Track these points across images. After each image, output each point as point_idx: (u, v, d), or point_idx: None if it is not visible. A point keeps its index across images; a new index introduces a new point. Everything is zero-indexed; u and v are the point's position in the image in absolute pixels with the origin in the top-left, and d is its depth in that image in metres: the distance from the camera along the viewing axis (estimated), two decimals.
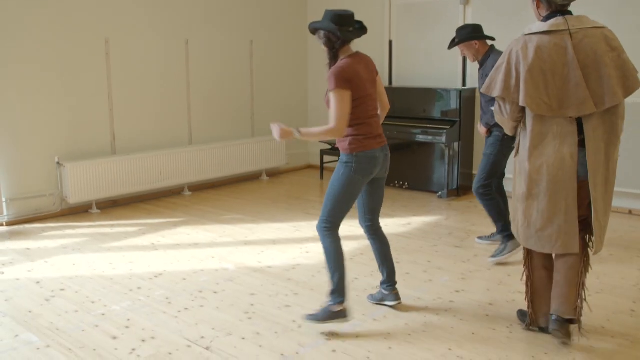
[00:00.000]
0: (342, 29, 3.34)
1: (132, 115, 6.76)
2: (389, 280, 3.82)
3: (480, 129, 4.76)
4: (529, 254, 3.39)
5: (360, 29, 3.47)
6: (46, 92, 6.02)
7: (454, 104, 6.91)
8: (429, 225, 5.73)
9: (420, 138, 7.02)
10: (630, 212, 6.21)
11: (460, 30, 4.76)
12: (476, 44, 4.70)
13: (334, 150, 7.88)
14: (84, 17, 6.23)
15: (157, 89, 7.00)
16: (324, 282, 4.25)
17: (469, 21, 6.94)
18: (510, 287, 4.19)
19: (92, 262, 4.82)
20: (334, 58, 3.42)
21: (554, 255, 3.32)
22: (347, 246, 5.05)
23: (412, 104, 7.21)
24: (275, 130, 3.41)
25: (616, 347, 3.31)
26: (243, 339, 3.47)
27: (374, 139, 3.47)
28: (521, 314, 3.59)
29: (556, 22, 3.04)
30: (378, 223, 3.81)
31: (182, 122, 7.34)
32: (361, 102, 3.39)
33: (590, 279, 4.26)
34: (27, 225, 5.94)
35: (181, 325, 3.66)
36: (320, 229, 3.55)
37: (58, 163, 6.15)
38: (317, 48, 8.39)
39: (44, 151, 6.09)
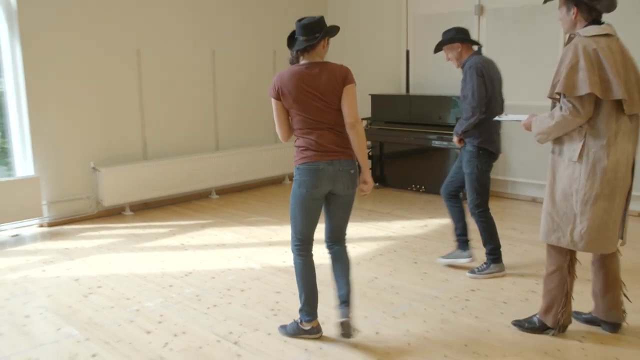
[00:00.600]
0: (290, 42, 3.30)
1: (162, 123, 6.83)
2: (341, 300, 3.34)
3: (454, 139, 4.41)
4: (571, 260, 3.25)
5: (307, 38, 3.24)
6: (82, 102, 6.09)
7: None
8: (445, 227, 5.71)
9: (436, 143, 7.00)
10: None
11: (445, 33, 4.38)
12: (459, 46, 4.27)
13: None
14: (117, 30, 6.31)
15: (186, 97, 7.06)
16: None
17: (483, 31, 6.97)
18: (524, 286, 4.18)
19: (126, 261, 4.89)
20: None
21: (593, 255, 3.36)
22: (365, 247, 5.11)
23: (428, 111, 7.20)
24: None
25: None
26: (269, 334, 3.49)
27: (316, 151, 3.17)
28: (540, 325, 3.40)
29: (607, 27, 3.05)
30: (340, 244, 3.47)
31: (209, 129, 7.39)
32: (296, 114, 3.19)
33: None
34: (65, 227, 6.01)
35: (211, 321, 3.69)
36: (291, 247, 3.42)
37: (94, 168, 6.22)
38: (337, 57, 8.46)
39: (81, 157, 6.17)
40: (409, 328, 3.56)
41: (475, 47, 4.35)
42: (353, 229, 5.58)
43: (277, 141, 8.10)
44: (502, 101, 4.35)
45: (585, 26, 3.06)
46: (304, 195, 3.24)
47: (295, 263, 3.40)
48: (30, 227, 5.98)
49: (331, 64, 3.22)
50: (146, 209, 6.69)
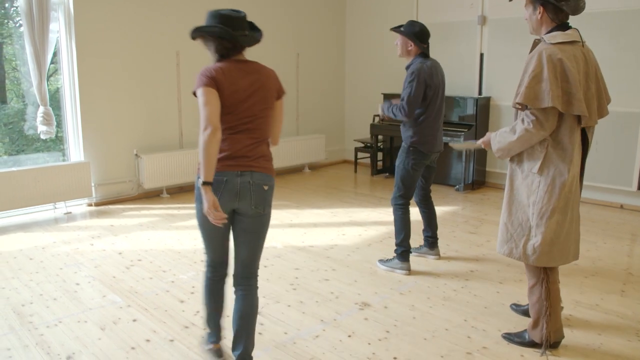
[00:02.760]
0: (236, 34, 2.52)
1: (197, 115, 6.76)
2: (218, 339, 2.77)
3: (380, 113, 4.04)
4: (546, 272, 2.82)
5: (254, 33, 2.62)
6: (127, 96, 6.11)
7: (470, 110, 6.81)
8: (447, 214, 5.69)
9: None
10: (621, 206, 6.08)
11: (411, 25, 3.89)
12: (411, 45, 3.88)
13: (366, 148, 7.84)
14: (158, 34, 6.30)
15: None
16: (358, 261, 4.30)
17: (485, 40, 6.86)
18: (519, 268, 4.13)
19: (163, 238, 4.90)
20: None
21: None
22: (376, 230, 5.10)
23: None
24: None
25: (607, 322, 3.26)
26: (289, 306, 3.50)
27: (228, 159, 2.37)
28: (529, 341, 2.96)
29: (573, 33, 2.65)
30: (247, 282, 2.60)
31: None
32: (227, 112, 2.38)
33: (586, 264, 4.24)
34: (111, 206, 6.05)
35: None
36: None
37: (136, 155, 6.25)
38: (354, 59, 8.42)
39: (125, 145, 6.19)
40: (414, 303, 3.54)
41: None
42: (365, 214, 5.60)
43: (298, 133, 8.09)
44: (442, 103, 3.99)
45: (551, 30, 2.66)
46: (200, 211, 2.42)
47: (204, 279, 2.68)
48: (80, 206, 6.03)
49: (259, 65, 2.67)
50: (181, 192, 6.70)
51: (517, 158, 2.76)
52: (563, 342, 2.99)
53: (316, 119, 8.33)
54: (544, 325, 2.84)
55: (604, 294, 3.70)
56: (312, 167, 8.28)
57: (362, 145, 7.94)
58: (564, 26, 2.66)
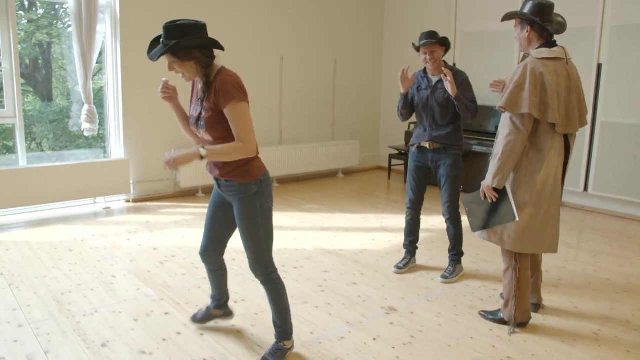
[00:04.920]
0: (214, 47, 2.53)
1: None
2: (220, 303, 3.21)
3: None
4: (517, 259, 3.16)
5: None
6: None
7: None
8: None
9: (477, 148, 6.95)
10: None
11: (432, 34, 3.86)
12: (442, 52, 3.93)
13: (401, 155, 7.83)
14: None
15: (254, 97, 7.07)
16: (387, 266, 4.33)
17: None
18: (550, 280, 4.10)
19: (197, 236, 4.91)
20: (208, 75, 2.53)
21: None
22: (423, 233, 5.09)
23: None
24: (169, 159, 2.46)
25: (638, 340, 3.21)
26: (316, 307, 3.55)
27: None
28: (500, 319, 3.35)
29: (558, 50, 2.97)
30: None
31: (274, 125, 7.47)
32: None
33: (619, 280, 4.17)
34: (147, 203, 6.19)
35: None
36: (268, 273, 2.80)
37: None
38: (391, 67, 8.45)
39: (163, 144, 6.30)
40: (440, 311, 3.56)
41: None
42: (396, 220, 5.61)
43: (333, 138, 8.14)
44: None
45: (539, 47, 2.97)
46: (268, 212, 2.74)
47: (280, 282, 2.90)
48: (119, 202, 6.20)
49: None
50: None
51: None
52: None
53: (351, 125, 8.38)
54: (513, 305, 3.20)
55: (636, 310, 3.64)
56: (345, 173, 8.31)
57: (396, 152, 7.95)
58: (550, 44, 2.97)
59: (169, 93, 2.67)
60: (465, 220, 4.13)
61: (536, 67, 2.90)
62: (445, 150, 3.96)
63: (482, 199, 3.11)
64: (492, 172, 3.00)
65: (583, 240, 5.29)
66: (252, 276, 4.03)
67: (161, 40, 2.44)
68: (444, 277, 4.09)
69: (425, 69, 4.03)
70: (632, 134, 6.04)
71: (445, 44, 3.90)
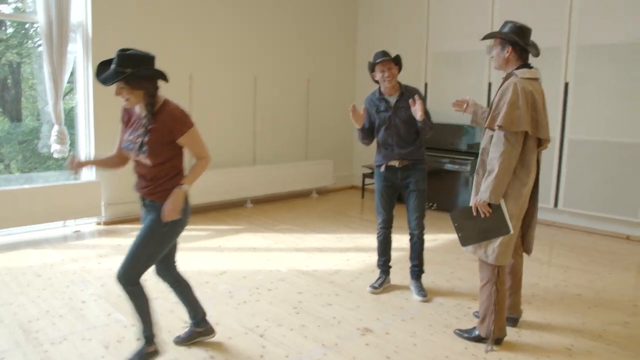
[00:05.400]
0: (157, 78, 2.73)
1: (205, 139, 6.76)
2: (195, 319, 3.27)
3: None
4: (497, 273, 3.18)
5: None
6: None
7: (478, 138, 6.89)
8: (453, 242, 5.66)
9: (448, 166, 7.03)
10: (628, 237, 6.09)
11: (386, 52, 3.97)
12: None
13: (373, 174, 7.84)
14: (172, 56, 6.37)
15: (228, 117, 7.11)
16: (361, 286, 4.31)
17: (494, 69, 6.83)
18: (523, 297, 4.02)
19: None
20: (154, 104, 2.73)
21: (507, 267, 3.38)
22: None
23: (443, 138, 7.21)
24: (167, 214, 2.76)
25: (610, 354, 3.25)
26: (291, 329, 3.51)
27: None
28: (476, 336, 3.35)
29: (536, 71, 3.11)
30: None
31: (247, 145, 7.42)
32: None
33: (590, 294, 4.23)
34: (119, 226, 6.09)
35: (240, 315, 3.71)
36: (131, 285, 2.88)
37: None
38: (364, 87, 8.49)
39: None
40: (415, 330, 3.55)
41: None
42: (370, 240, 5.58)
43: (307, 158, 8.15)
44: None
45: (519, 68, 3.08)
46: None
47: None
48: (90, 225, 6.08)
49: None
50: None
51: (482, 171, 3.13)
52: None
53: (325, 144, 8.40)
54: (491, 321, 3.20)
55: (607, 325, 3.69)
56: (319, 192, 8.30)
57: (370, 171, 7.91)
58: (527, 65, 3.10)
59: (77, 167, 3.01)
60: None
61: (525, 86, 2.99)
62: (413, 166, 4.02)
63: (474, 214, 3.12)
64: (489, 188, 3.01)
65: (554, 255, 5.36)
66: (226, 299, 3.99)
67: (113, 66, 2.62)
68: (422, 295, 4.08)
69: (379, 90, 4.07)
70: (599, 151, 6.17)
71: (399, 62, 3.98)
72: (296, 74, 7.89)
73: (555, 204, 6.55)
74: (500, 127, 2.98)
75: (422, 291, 4.12)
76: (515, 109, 2.95)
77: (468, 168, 6.80)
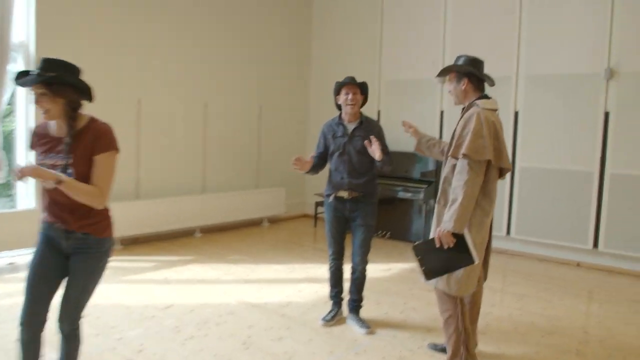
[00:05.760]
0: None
1: (155, 166, 6.74)
2: None
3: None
4: (461, 303, 3.20)
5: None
6: None
7: (431, 166, 7.03)
8: (406, 271, 5.68)
9: (401, 195, 7.08)
10: (578, 264, 6.26)
11: (359, 83, 4.02)
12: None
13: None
14: (120, 80, 6.28)
15: (178, 144, 7.03)
16: (314, 319, 4.23)
17: (446, 97, 6.97)
18: (478, 327, 4.13)
19: (113, 292, 4.74)
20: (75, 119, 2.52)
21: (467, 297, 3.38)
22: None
23: (396, 165, 7.11)
24: (28, 167, 2.36)
25: None
26: None
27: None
28: None
29: (495, 102, 3.19)
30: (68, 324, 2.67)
31: (197, 172, 7.33)
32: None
33: (543, 322, 4.28)
34: None
35: (187, 351, 3.59)
36: (76, 327, 2.68)
37: None
38: (317, 113, 8.52)
39: None
40: None
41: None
42: (323, 270, 5.52)
43: (258, 185, 8.09)
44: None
45: (478, 99, 3.14)
46: None
47: None
48: (26, 256, 5.79)
49: None
50: (135, 243, 6.56)
51: (444, 200, 3.13)
52: None
53: (277, 172, 8.34)
54: (464, 353, 3.19)
55: (560, 353, 3.73)
56: (271, 221, 8.24)
57: (322, 200, 7.91)
58: (485, 96, 3.16)
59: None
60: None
61: (488, 116, 3.06)
62: (363, 199, 3.99)
63: (437, 244, 3.03)
64: (453, 217, 2.97)
65: (507, 283, 5.44)
66: (172, 335, 3.84)
67: (36, 72, 2.45)
68: (365, 327, 4.03)
69: (340, 115, 4.06)
70: (549, 178, 6.35)
71: (365, 91, 4.01)
72: (248, 99, 7.87)
73: (508, 232, 6.68)
74: (465, 155, 3.00)
75: (364, 323, 4.07)
76: (479, 138, 3.00)
77: (421, 196, 6.88)
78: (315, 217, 8.09)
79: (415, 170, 7.15)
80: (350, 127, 4.02)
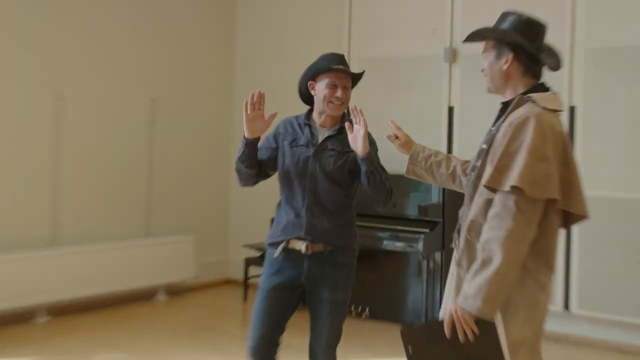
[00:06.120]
0: None
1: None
2: None
3: None
4: None
5: None
6: None
7: (435, 197, 6.86)
8: None
9: (388, 245, 6.87)
10: None
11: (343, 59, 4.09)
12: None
13: (262, 259, 7.48)
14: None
15: (4, 162, 6.75)
16: None
17: (457, 86, 7.10)
18: None
19: None
20: None
21: None
22: None
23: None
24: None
25: None
26: None
27: None
28: None
29: (559, 97, 3.06)
30: None
31: (42, 212, 7.06)
32: None
33: None
34: None
35: None
36: None
37: None
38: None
39: None
40: None
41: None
42: None
43: (149, 233, 7.96)
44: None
45: (532, 89, 3.01)
46: None
47: None
48: None
49: None
50: None
51: (467, 260, 2.94)
52: None
53: (181, 210, 8.25)
54: None
55: None
56: (171, 292, 8.03)
57: (259, 253, 7.66)
58: (542, 87, 3.01)
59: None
60: None
61: (553, 125, 2.86)
62: (332, 257, 3.85)
63: (447, 333, 2.85)
64: (481, 290, 2.76)
65: None
66: None
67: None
68: None
69: (308, 114, 4.00)
70: (632, 214, 6.22)
71: (354, 83, 4.00)
72: (132, 93, 7.79)
73: (566, 305, 6.56)
74: (515, 188, 2.76)
75: None
76: (540, 161, 2.77)
77: (420, 246, 6.65)
78: (246, 285, 7.86)
79: (409, 202, 7.04)
80: (323, 134, 3.90)
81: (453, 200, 6.68)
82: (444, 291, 5.97)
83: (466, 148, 6.91)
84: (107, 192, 7.59)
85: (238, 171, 3.97)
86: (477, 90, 6.63)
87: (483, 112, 6.59)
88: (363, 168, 3.71)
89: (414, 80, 7.30)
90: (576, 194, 2.90)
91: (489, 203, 2.90)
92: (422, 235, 6.59)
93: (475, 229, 2.94)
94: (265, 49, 8.54)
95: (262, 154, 3.98)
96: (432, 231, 6.65)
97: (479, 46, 6.37)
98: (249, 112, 3.77)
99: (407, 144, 3.53)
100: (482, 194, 2.95)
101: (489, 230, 2.82)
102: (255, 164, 3.93)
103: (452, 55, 6.93)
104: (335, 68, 3.83)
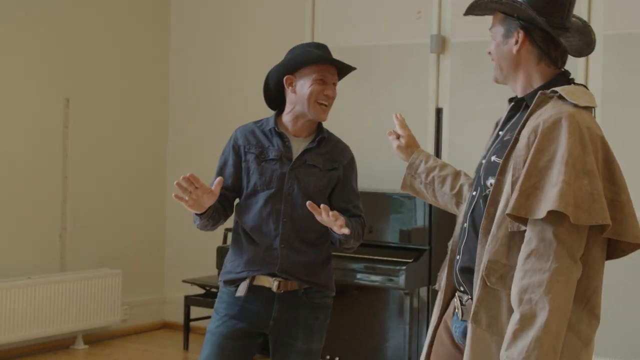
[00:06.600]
0: None
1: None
2: None
3: None
4: None
5: None
6: None
7: (420, 219, 6.64)
8: None
9: (363, 279, 6.73)
10: None
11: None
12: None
13: (210, 297, 7.37)
14: None
15: None
16: None
17: (446, 81, 6.88)
18: None
19: None
20: None
21: None
22: None
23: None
24: None
25: None
26: None
27: None
28: None
29: (588, 90, 2.88)
30: None
31: None
32: None
33: None
34: None
35: None
36: None
37: None
38: (184, 117, 8.23)
39: None
40: None
41: None
42: None
43: (64, 267, 7.61)
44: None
45: (554, 80, 2.82)
46: None
47: None
48: None
49: None
50: None
51: (487, 318, 2.76)
52: None
53: (105, 239, 7.87)
54: None
55: None
56: (91, 339, 7.64)
57: (202, 292, 7.52)
58: (564, 77, 2.83)
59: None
60: None
61: (591, 126, 2.66)
62: (308, 297, 3.82)
63: None
64: (526, 354, 2.53)
65: None
66: None
67: None
68: None
69: (277, 119, 3.89)
70: None
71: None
72: (43, 92, 7.51)
73: None
74: (552, 214, 2.54)
75: None
76: (583, 176, 2.56)
77: (402, 281, 6.42)
78: (187, 329, 7.53)
79: (389, 228, 6.79)
80: (299, 145, 3.82)
81: (442, 223, 6.52)
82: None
83: (458, 159, 6.67)
84: (10, 217, 7.21)
85: (202, 228, 3.88)
86: (471, 87, 6.79)
87: (479, 114, 6.60)
88: (336, 238, 3.69)
89: (394, 75, 7.13)
90: (627, 216, 2.63)
91: (513, 237, 2.64)
92: (405, 267, 6.38)
93: (497, 272, 2.67)
94: (201, 46, 8.41)
95: (226, 176, 3.85)
96: (417, 261, 6.44)
97: (473, 33, 6.23)
98: (187, 198, 3.52)
99: (408, 147, 3.33)
100: (501, 225, 2.66)
101: (526, 275, 2.56)
102: (221, 216, 3.84)
103: (441, 44, 6.76)
104: (328, 59, 3.76)
